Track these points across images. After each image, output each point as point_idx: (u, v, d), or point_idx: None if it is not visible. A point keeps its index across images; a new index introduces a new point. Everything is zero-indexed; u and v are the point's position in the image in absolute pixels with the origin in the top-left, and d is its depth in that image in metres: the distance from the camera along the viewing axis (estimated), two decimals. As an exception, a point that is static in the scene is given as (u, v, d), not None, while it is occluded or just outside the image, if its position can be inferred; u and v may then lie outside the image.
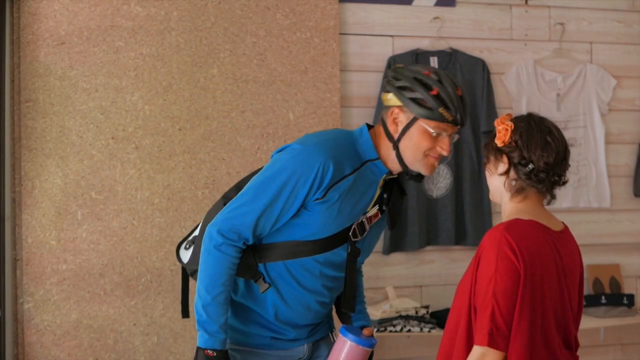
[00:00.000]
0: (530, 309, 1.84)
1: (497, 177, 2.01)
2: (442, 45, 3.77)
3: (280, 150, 2.14)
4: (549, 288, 1.88)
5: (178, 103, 3.42)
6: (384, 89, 2.15)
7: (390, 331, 3.46)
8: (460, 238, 3.75)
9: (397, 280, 3.70)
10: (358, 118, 3.68)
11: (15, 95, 3.26)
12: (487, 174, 2.06)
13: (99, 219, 3.31)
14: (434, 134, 2.07)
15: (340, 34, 3.65)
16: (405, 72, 2.10)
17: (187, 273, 2.34)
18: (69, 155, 3.30)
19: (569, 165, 2.01)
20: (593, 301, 3.78)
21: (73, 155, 3.30)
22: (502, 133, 1.97)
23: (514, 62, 3.87)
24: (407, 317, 3.49)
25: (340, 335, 2.17)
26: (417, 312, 3.52)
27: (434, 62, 3.74)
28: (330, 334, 2.33)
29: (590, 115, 3.90)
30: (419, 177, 2.19)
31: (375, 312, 3.48)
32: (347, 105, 3.67)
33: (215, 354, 2.04)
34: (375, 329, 3.43)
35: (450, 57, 3.76)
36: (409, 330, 3.49)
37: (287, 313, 2.17)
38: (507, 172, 1.98)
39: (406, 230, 3.68)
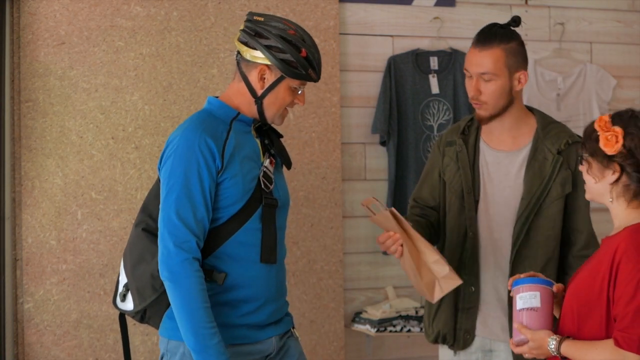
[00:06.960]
0: None
1: (603, 183, 1.94)
2: (442, 45, 3.77)
3: (168, 146, 2.19)
4: None
5: (178, 103, 3.42)
6: (245, 42, 2.20)
7: (390, 331, 3.46)
8: (460, 238, 3.75)
9: (397, 280, 3.70)
10: (358, 118, 3.68)
11: (15, 95, 3.26)
12: (587, 177, 1.98)
13: (99, 219, 3.31)
14: (299, 91, 2.25)
15: (340, 34, 3.65)
16: (270, 29, 2.17)
17: (125, 321, 2.34)
18: (69, 155, 3.30)
19: None
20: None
21: (73, 155, 3.30)
22: (612, 140, 1.89)
23: (514, 62, 3.87)
24: (407, 317, 3.49)
25: (515, 288, 2.03)
26: (417, 312, 3.52)
27: (434, 62, 3.74)
28: (292, 330, 2.35)
29: (590, 116, 3.89)
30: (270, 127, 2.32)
31: (375, 312, 3.48)
32: (347, 105, 3.67)
33: None
34: (375, 329, 3.43)
35: (450, 57, 3.76)
36: (409, 330, 3.49)
37: (256, 285, 2.19)
38: (618, 180, 1.91)
39: (406, 230, 3.67)
